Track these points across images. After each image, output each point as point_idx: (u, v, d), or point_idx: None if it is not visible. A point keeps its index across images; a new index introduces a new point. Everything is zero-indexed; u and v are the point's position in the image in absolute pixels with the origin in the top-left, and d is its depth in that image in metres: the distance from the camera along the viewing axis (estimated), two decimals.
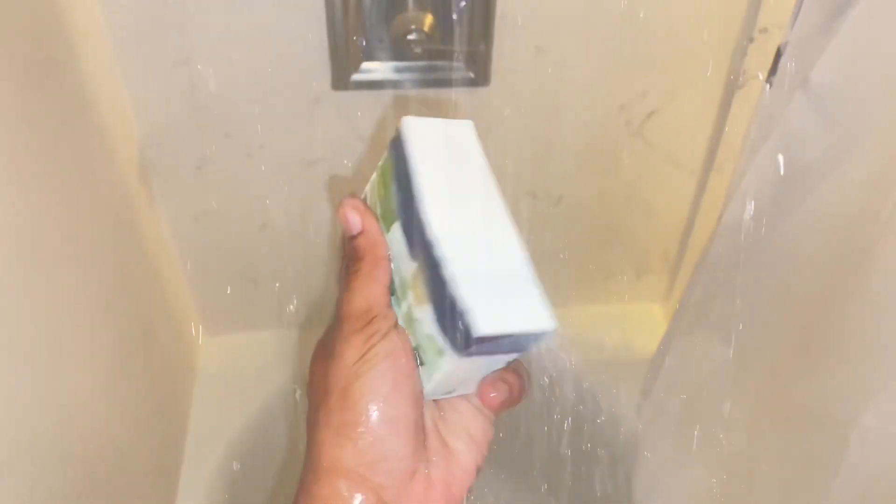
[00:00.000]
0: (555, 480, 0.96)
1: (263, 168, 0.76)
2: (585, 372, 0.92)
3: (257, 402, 0.89)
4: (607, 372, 0.92)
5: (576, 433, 0.94)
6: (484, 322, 0.32)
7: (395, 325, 0.35)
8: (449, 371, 0.34)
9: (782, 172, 0.58)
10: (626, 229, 0.88)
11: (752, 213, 0.61)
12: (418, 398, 0.35)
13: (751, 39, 0.70)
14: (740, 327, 0.66)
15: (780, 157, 0.58)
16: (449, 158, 0.39)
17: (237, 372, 0.91)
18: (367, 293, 0.36)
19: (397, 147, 0.38)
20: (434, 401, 0.38)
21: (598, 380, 0.92)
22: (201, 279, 0.87)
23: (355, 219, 0.38)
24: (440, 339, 0.34)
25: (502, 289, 0.34)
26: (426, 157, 0.37)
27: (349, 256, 0.37)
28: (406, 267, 0.36)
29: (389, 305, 0.36)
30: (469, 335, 0.32)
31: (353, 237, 0.38)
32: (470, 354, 0.33)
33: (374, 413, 0.33)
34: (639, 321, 0.97)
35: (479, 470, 0.38)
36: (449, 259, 0.33)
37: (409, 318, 0.36)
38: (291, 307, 0.92)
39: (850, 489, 0.51)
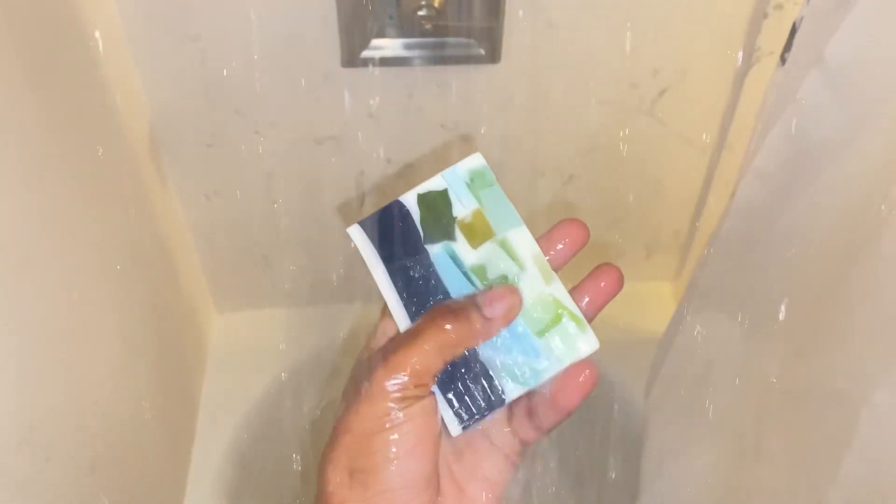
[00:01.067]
0: (561, 460, 0.97)
1: (273, 145, 0.76)
2: (595, 354, 0.92)
3: (268, 379, 0.89)
4: (616, 351, 0.91)
5: (583, 413, 0.94)
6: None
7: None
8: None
9: (795, 150, 0.58)
10: (637, 208, 0.88)
11: (764, 190, 0.61)
12: (438, 453, 0.34)
13: (765, 15, 0.69)
14: (751, 306, 0.65)
15: (794, 135, 0.58)
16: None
17: (248, 349, 0.91)
18: (434, 359, 0.34)
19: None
20: (451, 440, 0.37)
21: (606, 359, 0.92)
22: (212, 257, 0.87)
23: (501, 309, 0.36)
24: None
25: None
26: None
27: (452, 308, 0.35)
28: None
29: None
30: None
31: (479, 311, 0.35)
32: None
33: (393, 468, 0.32)
34: (649, 300, 0.97)
35: None
36: None
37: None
38: (302, 285, 0.92)
39: (860, 466, 0.51)
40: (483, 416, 0.35)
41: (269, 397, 0.89)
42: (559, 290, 0.37)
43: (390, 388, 0.33)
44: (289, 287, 0.92)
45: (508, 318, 0.36)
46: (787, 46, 0.57)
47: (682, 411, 0.76)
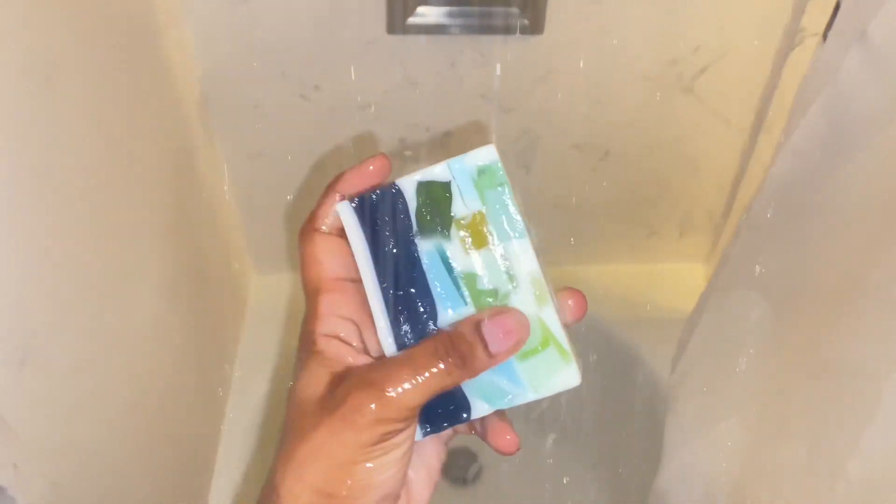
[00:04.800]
0: (586, 436, 0.98)
1: (317, 109, 0.77)
2: (623, 331, 0.94)
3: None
4: (644, 329, 0.93)
5: (611, 390, 0.95)
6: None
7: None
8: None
9: (833, 128, 0.58)
10: (672, 187, 0.89)
11: (799, 167, 0.61)
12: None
13: None
14: (779, 283, 0.66)
15: (832, 113, 0.58)
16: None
17: (285, 310, 0.94)
18: (430, 394, 0.32)
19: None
20: None
21: (634, 339, 0.93)
22: (253, 218, 0.90)
23: (509, 345, 0.33)
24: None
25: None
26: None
27: (458, 350, 0.32)
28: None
29: None
30: None
31: (485, 346, 0.33)
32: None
33: (371, 494, 0.32)
34: (680, 281, 0.97)
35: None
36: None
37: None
38: None
39: (880, 440, 0.51)
40: (447, 427, 0.35)
41: None
42: (550, 317, 0.34)
43: (380, 421, 0.31)
44: None
45: (511, 354, 0.34)
46: (830, 24, 0.57)
47: (707, 386, 0.77)
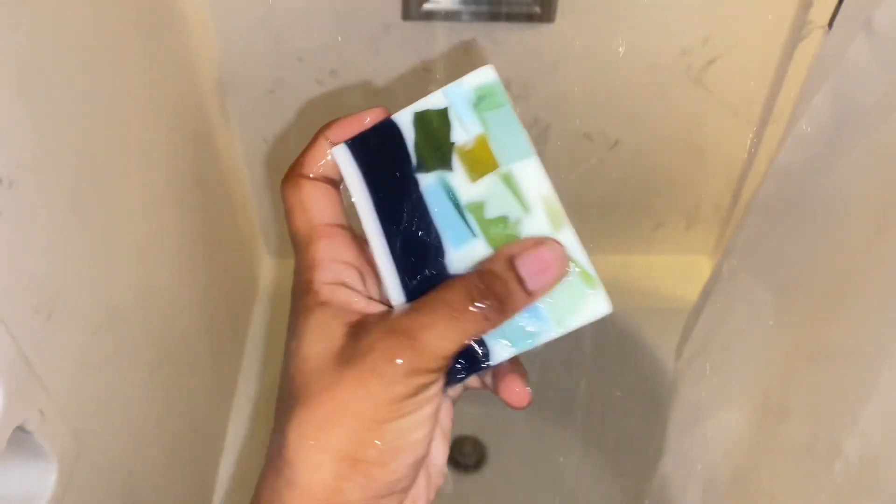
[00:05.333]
0: (591, 423, 1.00)
1: (332, 94, 0.79)
2: (628, 320, 0.95)
3: None
4: (649, 318, 0.94)
5: (616, 379, 0.96)
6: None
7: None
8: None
9: (838, 116, 0.59)
10: (680, 178, 0.90)
11: (804, 155, 0.62)
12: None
13: None
14: (784, 271, 0.67)
15: (837, 101, 0.59)
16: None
17: None
18: (465, 341, 0.29)
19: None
20: None
21: (640, 328, 0.94)
22: (268, 201, 0.91)
23: (549, 280, 0.30)
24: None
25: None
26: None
27: (492, 290, 0.29)
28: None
29: None
30: None
31: (521, 283, 0.30)
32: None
33: (403, 457, 0.29)
34: (686, 273, 0.98)
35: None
36: None
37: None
38: None
39: (878, 420, 0.52)
40: (465, 377, 0.31)
41: None
42: (569, 239, 0.31)
43: (414, 371, 0.28)
44: None
45: (550, 290, 0.30)
46: (836, 13, 0.58)
47: (711, 373, 0.78)
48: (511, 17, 0.72)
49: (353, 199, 0.33)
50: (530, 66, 0.77)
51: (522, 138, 0.32)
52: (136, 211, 0.56)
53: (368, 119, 0.33)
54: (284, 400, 0.30)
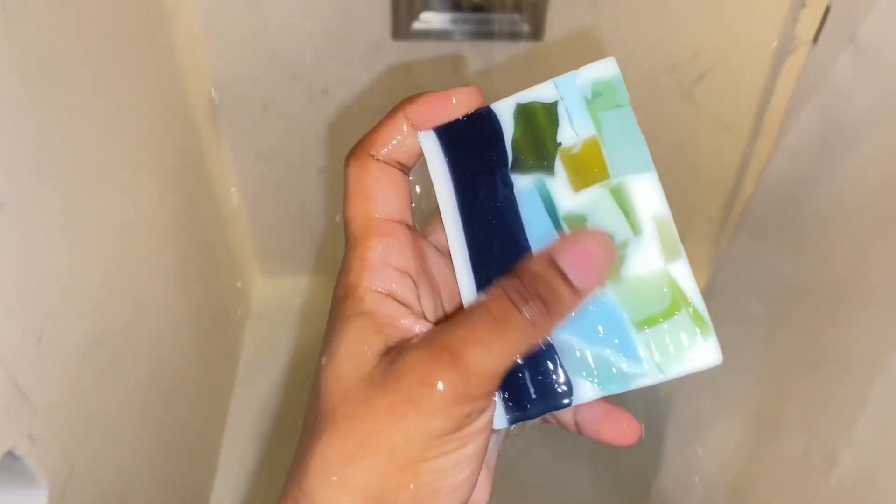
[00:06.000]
0: (585, 438, 0.99)
1: (324, 113, 0.79)
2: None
3: (306, 342, 0.93)
4: None
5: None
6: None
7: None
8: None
9: (826, 129, 0.60)
10: (671, 192, 0.90)
11: (794, 168, 0.63)
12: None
13: (803, 4, 0.71)
14: (776, 282, 0.67)
15: (825, 114, 0.59)
16: None
17: (289, 313, 0.95)
18: (514, 356, 0.25)
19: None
20: None
21: None
22: (260, 219, 0.91)
23: (596, 274, 0.26)
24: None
25: None
26: None
27: (536, 292, 0.25)
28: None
29: None
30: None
31: (567, 281, 0.26)
32: None
33: (443, 499, 0.25)
34: None
35: None
36: None
37: None
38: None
39: (872, 429, 0.52)
40: (538, 414, 0.27)
41: (307, 358, 0.93)
42: (683, 273, 0.27)
43: (458, 399, 0.24)
44: (331, 254, 0.96)
45: (599, 285, 0.27)
46: (821, 28, 0.59)
47: (707, 385, 0.78)
48: (500, 36, 0.72)
49: (436, 194, 0.29)
50: (521, 83, 0.77)
51: (642, 148, 0.27)
52: (128, 231, 0.56)
53: (455, 99, 0.28)
54: (311, 419, 0.26)
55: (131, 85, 0.57)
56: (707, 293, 0.76)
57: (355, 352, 0.25)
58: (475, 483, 0.26)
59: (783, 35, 0.74)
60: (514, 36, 0.72)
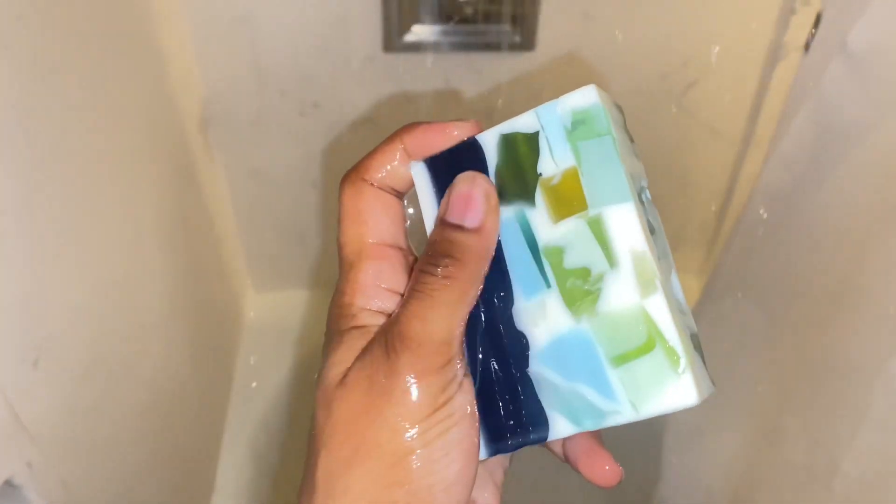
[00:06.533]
0: None
1: (315, 126, 0.79)
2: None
3: (301, 357, 0.93)
4: None
5: None
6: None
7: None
8: None
9: (819, 135, 0.60)
10: (665, 200, 0.90)
11: (788, 175, 0.63)
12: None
13: (793, 11, 0.72)
14: (772, 289, 0.67)
15: (817, 121, 0.60)
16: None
17: (283, 328, 0.95)
18: (454, 317, 0.26)
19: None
20: None
21: None
22: (252, 235, 0.91)
23: (479, 207, 0.27)
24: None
25: None
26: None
27: (440, 252, 0.27)
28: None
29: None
30: None
31: (460, 228, 0.27)
32: None
33: (438, 498, 0.25)
34: None
35: None
36: None
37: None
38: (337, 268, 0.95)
39: (874, 436, 0.52)
40: (515, 448, 0.28)
41: (302, 374, 0.92)
42: (658, 308, 0.26)
43: (421, 373, 0.25)
44: (325, 269, 0.95)
45: (491, 216, 0.27)
46: (812, 36, 0.59)
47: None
48: (492, 47, 0.72)
49: (424, 223, 0.29)
50: (512, 94, 0.78)
51: (620, 178, 0.26)
52: (122, 251, 0.55)
53: (456, 132, 0.29)
54: (314, 431, 0.27)
55: (122, 105, 0.57)
56: (704, 299, 0.77)
57: (344, 360, 0.27)
58: (470, 483, 0.26)
59: (773, 42, 0.75)
60: (505, 46, 0.72)
